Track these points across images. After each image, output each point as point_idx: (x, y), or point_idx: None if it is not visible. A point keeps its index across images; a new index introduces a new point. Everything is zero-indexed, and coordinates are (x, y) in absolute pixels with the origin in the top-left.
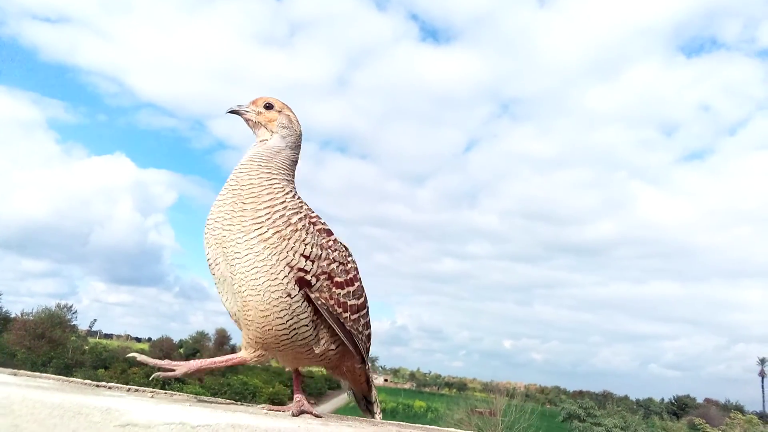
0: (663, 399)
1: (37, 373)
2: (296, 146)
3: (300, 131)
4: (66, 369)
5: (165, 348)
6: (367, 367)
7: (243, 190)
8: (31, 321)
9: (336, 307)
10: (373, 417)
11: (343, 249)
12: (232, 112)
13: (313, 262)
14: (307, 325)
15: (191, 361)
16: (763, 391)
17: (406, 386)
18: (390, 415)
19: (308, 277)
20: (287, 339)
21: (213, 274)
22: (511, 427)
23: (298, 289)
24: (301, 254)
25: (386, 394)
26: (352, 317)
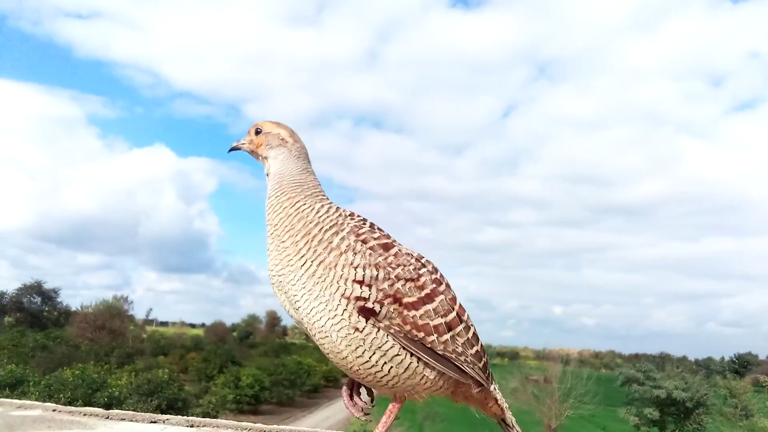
0: (723, 357)
1: (25, 401)
2: (298, 157)
3: (293, 140)
4: (128, 357)
5: (219, 332)
6: (491, 388)
7: (278, 229)
8: (91, 313)
9: (415, 331)
10: None
11: (412, 262)
12: (232, 149)
13: (369, 286)
14: (398, 354)
15: None
16: None
17: None
18: None
19: (369, 304)
20: (386, 376)
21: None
22: (568, 394)
23: (365, 320)
24: (353, 281)
25: None
26: (442, 339)
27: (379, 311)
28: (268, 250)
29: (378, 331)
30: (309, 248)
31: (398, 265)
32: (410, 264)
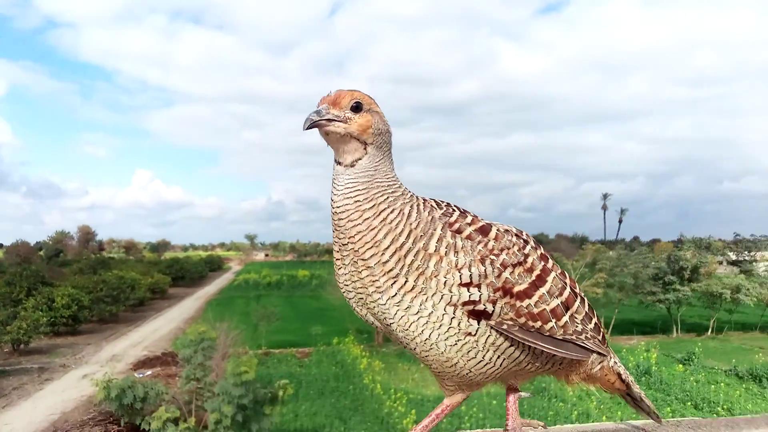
0: None
1: None
2: (391, 149)
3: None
4: None
5: (23, 253)
6: (611, 362)
7: (356, 243)
8: None
9: (531, 322)
10: (654, 418)
11: (514, 241)
12: (313, 126)
13: (478, 286)
14: (513, 346)
15: None
16: (604, 222)
17: (288, 258)
18: (276, 287)
19: (480, 306)
20: (496, 370)
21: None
22: None
23: (476, 322)
24: (459, 285)
25: (269, 268)
26: (561, 323)
27: (493, 311)
28: (339, 261)
29: (491, 329)
30: (402, 264)
31: (502, 250)
32: (513, 245)
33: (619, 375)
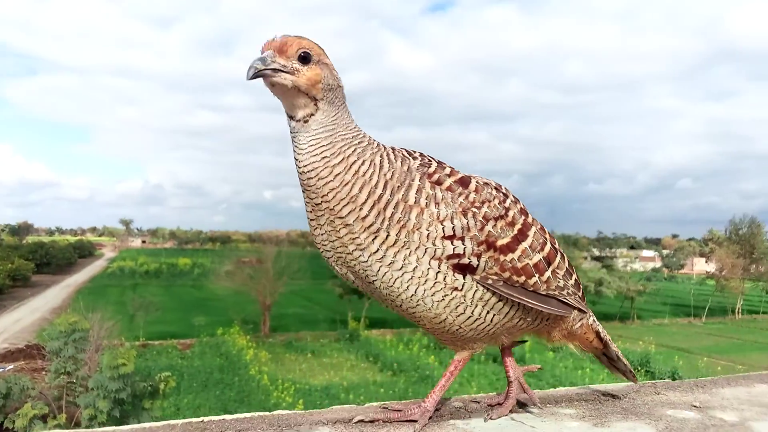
0: None
1: None
2: (344, 99)
3: (339, 78)
4: None
5: None
6: (590, 320)
7: (330, 201)
8: None
9: (515, 277)
10: (630, 377)
11: (494, 194)
12: (257, 76)
13: (462, 239)
14: (501, 301)
15: (427, 401)
16: None
17: (167, 245)
18: (155, 275)
19: (465, 260)
20: (487, 326)
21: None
22: (282, 272)
23: (462, 276)
24: (443, 237)
25: (147, 255)
26: (544, 278)
27: (477, 265)
28: (314, 221)
29: (477, 284)
30: (382, 218)
31: (483, 202)
32: (494, 197)
33: (597, 333)
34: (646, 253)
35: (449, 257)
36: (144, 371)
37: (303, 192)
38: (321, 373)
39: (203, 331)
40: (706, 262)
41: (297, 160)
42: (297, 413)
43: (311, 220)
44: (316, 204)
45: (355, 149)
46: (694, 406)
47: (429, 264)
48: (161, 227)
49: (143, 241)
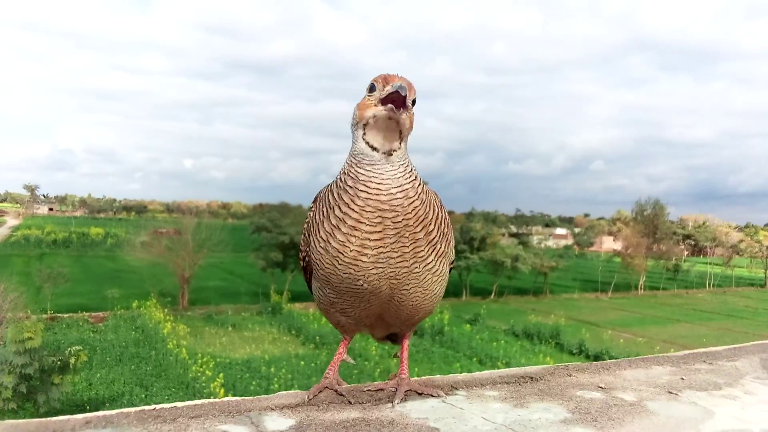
0: None
1: None
2: None
3: None
4: None
5: None
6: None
7: (411, 219)
8: None
9: (451, 253)
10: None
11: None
12: (404, 108)
13: (454, 245)
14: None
15: (404, 372)
16: None
17: (77, 214)
18: (63, 245)
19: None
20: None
21: (343, 293)
22: (202, 244)
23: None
24: (453, 246)
25: (55, 224)
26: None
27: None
28: (374, 241)
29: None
30: (440, 233)
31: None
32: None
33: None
34: (560, 230)
35: (451, 262)
36: (53, 345)
37: (365, 211)
38: (242, 346)
39: (117, 304)
40: (614, 240)
41: (380, 182)
42: (246, 399)
43: (370, 239)
44: (394, 221)
45: (420, 179)
46: (600, 387)
47: (447, 267)
48: (71, 194)
49: (50, 209)
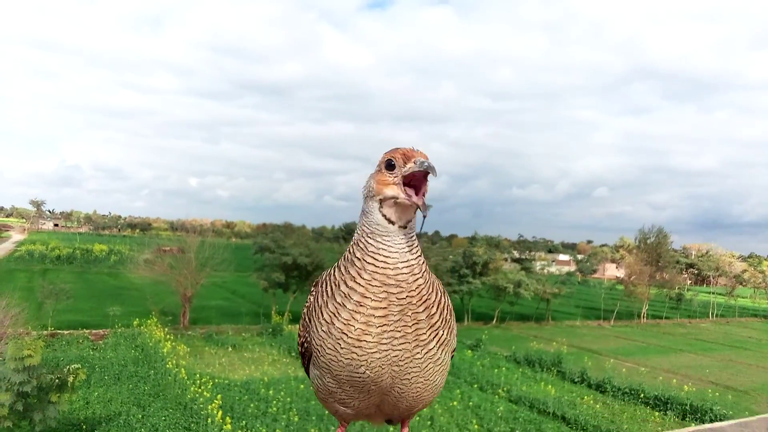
0: (334, 226)
1: None
2: None
3: None
4: None
5: None
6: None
7: (414, 297)
8: None
9: (453, 341)
10: None
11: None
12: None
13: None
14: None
15: None
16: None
17: (82, 230)
18: (67, 261)
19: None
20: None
21: (343, 383)
22: (205, 263)
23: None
24: (455, 334)
25: (59, 240)
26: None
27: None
28: (379, 318)
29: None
30: (442, 318)
31: (444, 292)
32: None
33: None
34: (563, 257)
35: (453, 349)
36: (52, 362)
37: (374, 287)
38: (241, 367)
39: (118, 322)
40: (617, 267)
41: (388, 256)
42: None
43: (376, 316)
44: (399, 298)
45: (423, 257)
46: None
47: (448, 356)
48: (76, 210)
49: (56, 225)
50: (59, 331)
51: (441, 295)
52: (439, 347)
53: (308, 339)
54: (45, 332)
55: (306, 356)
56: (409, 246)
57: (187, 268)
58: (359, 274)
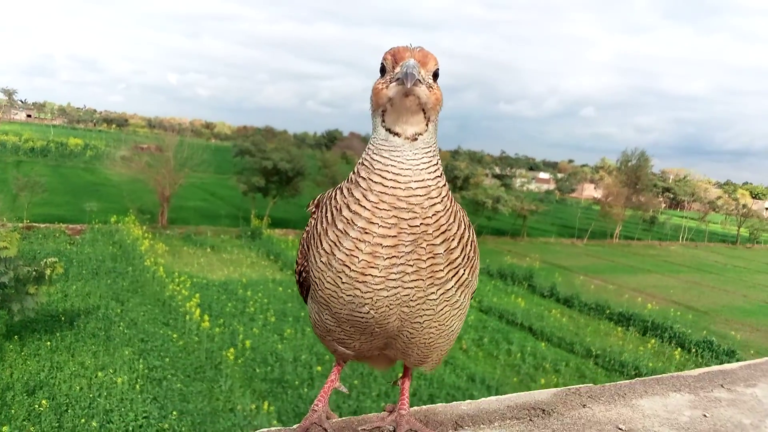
0: (316, 133)
1: None
2: None
3: None
4: None
5: None
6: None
7: (430, 225)
8: None
9: (475, 282)
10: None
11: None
12: (413, 86)
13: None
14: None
15: (405, 407)
16: None
17: (56, 122)
18: (41, 154)
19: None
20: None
21: (343, 322)
22: (184, 163)
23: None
24: (477, 275)
25: (32, 131)
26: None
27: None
28: (388, 247)
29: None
30: (463, 255)
31: (470, 225)
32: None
33: None
34: (543, 175)
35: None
36: (29, 255)
37: (380, 210)
38: (220, 268)
39: (95, 218)
40: (595, 188)
41: (398, 173)
42: None
43: (384, 245)
44: (411, 226)
45: (445, 181)
46: (620, 429)
47: (469, 300)
48: (49, 101)
49: (28, 115)
50: (35, 224)
51: (465, 229)
52: (458, 288)
53: (305, 268)
54: (20, 224)
55: (304, 286)
56: (425, 164)
57: (166, 167)
58: (364, 196)
